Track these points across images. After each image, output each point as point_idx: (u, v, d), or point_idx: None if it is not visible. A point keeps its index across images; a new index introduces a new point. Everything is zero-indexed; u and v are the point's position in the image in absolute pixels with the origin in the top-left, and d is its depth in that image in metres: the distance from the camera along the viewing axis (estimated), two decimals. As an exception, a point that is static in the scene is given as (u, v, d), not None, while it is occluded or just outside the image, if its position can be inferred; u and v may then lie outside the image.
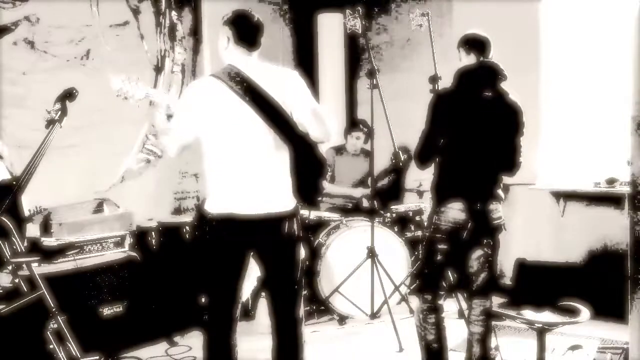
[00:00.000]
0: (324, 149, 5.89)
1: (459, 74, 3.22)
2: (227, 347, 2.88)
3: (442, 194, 3.24)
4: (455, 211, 3.17)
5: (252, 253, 2.88)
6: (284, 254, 2.88)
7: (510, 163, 3.28)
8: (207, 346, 2.89)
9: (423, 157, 3.26)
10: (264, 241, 2.83)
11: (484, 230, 3.22)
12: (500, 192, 3.28)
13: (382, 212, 5.24)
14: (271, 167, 2.79)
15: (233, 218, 2.75)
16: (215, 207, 2.79)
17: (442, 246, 3.22)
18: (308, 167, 2.84)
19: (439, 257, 3.24)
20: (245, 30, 2.82)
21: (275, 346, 2.92)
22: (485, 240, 3.25)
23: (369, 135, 5.28)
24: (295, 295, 2.92)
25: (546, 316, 3.13)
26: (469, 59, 3.25)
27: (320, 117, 2.84)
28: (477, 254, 3.27)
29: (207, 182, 2.84)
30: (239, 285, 2.89)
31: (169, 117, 2.82)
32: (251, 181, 2.75)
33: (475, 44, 3.26)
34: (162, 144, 2.90)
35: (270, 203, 2.78)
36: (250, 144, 2.75)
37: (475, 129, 3.18)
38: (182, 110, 2.80)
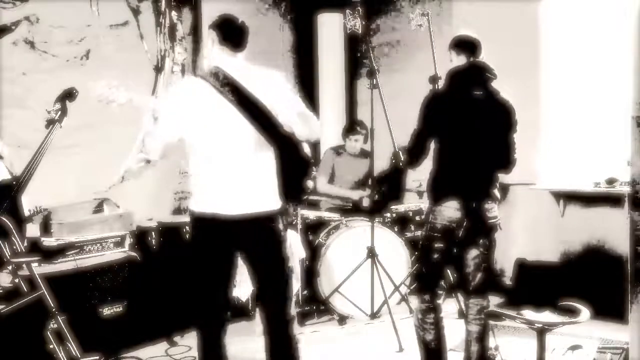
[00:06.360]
0: (322, 150, 5.92)
1: (449, 75, 3.27)
2: (218, 348, 2.89)
3: (438, 193, 3.25)
4: (451, 210, 3.19)
5: (239, 254, 2.88)
6: (270, 254, 2.87)
7: (505, 160, 3.32)
8: (200, 347, 2.91)
9: (412, 156, 3.31)
10: (250, 242, 2.83)
11: (479, 229, 3.23)
12: (496, 191, 3.30)
13: (383, 205, 5.24)
14: (255, 167, 2.79)
15: (216, 218, 2.75)
16: (198, 206, 2.81)
17: (438, 245, 3.23)
18: (293, 167, 2.84)
19: (435, 256, 3.25)
20: (229, 32, 2.85)
21: (268, 347, 2.91)
22: (481, 240, 3.26)
23: (367, 136, 5.28)
24: (285, 295, 2.91)
25: (546, 316, 3.13)
26: (459, 60, 3.29)
27: (305, 117, 2.86)
28: (473, 254, 3.28)
29: (191, 181, 2.86)
30: (226, 287, 2.90)
31: (156, 119, 2.83)
32: (235, 181, 2.76)
33: (465, 45, 3.30)
34: (146, 146, 2.88)
35: (254, 203, 2.78)
36: (234, 144, 2.75)
37: (469, 128, 3.21)
38: (166, 110, 2.81)
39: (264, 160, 2.80)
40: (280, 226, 2.86)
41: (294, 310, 2.94)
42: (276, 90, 2.82)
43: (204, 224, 2.80)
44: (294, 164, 2.84)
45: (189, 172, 2.87)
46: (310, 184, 2.95)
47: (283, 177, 2.83)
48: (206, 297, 2.89)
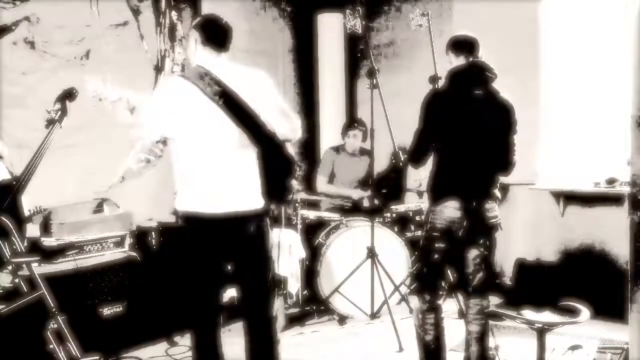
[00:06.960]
0: (322, 150, 5.91)
1: (450, 75, 3.27)
2: (212, 350, 2.88)
3: (438, 192, 3.25)
4: (450, 210, 3.19)
5: (225, 255, 2.87)
6: (254, 253, 2.87)
7: (504, 162, 3.31)
8: (193, 348, 2.92)
9: (415, 156, 3.31)
10: (234, 241, 2.81)
11: (479, 229, 3.23)
12: (496, 191, 3.30)
13: (383, 206, 5.23)
14: (239, 166, 2.79)
15: (199, 217, 2.76)
16: (181, 205, 2.82)
17: (438, 245, 3.23)
18: (276, 167, 2.83)
19: (435, 256, 3.25)
20: (213, 32, 2.84)
21: (249, 347, 2.90)
22: (481, 240, 3.26)
23: (366, 133, 5.28)
24: (267, 295, 2.91)
25: (546, 316, 3.13)
26: (458, 61, 3.29)
27: (286, 115, 2.87)
28: (473, 254, 3.28)
29: (175, 180, 2.86)
30: (216, 289, 2.89)
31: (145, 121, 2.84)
32: (218, 180, 2.76)
33: (463, 45, 3.30)
34: (137, 148, 2.87)
35: (237, 202, 2.78)
36: (218, 143, 2.75)
37: (469, 127, 3.21)
38: (152, 111, 2.80)
39: (247, 160, 2.80)
40: (264, 225, 2.86)
41: (276, 311, 2.93)
42: (258, 89, 2.82)
43: (188, 223, 2.81)
44: (278, 164, 2.83)
45: (174, 171, 2.85)
46: (295, 184, 2.94)
47: (267, 177, 2.82)
48: (195, 298, 2.89)
